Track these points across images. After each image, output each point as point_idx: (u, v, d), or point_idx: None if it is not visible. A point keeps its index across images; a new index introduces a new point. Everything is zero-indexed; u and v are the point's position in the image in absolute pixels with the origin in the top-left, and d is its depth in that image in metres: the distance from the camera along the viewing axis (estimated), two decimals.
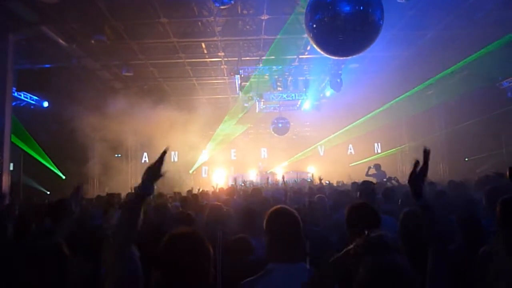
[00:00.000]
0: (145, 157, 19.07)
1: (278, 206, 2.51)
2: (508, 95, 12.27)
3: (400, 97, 15.03)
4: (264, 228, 2.40)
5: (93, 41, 9.51)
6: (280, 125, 16.78)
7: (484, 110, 12.16)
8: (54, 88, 11.80)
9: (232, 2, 7.72)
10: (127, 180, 16.61)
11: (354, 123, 17.80)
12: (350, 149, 20.98)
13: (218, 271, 1.95)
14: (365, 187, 4.78)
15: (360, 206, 2.80)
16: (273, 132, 17.38)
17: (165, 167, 1.94)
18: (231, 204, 6.15)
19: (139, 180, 1.95)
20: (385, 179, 10.30)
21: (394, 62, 12.19)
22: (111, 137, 14.08)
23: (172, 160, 19.11)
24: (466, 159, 13.79)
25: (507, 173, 2.94)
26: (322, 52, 5.61)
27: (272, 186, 12.08)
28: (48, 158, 13.70)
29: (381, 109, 16.09)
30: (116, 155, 16.87)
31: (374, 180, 10.16)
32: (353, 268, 1.62)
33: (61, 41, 9.97)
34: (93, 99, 12.68)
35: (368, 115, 16.86)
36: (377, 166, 12.48)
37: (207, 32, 10.27)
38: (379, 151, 20.01)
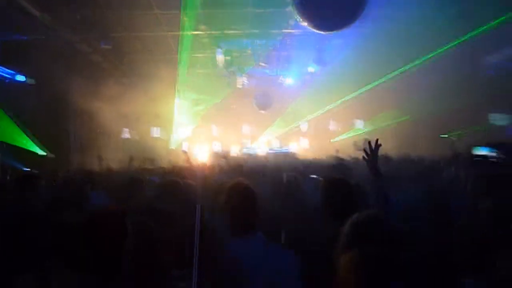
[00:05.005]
0: (126, 133, 18.76)
1: (234, 181, 2.62)
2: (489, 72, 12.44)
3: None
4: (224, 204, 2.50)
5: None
6: (262, 100, 16.69)
7: (465, 86, 12.29)
8: (31, 62, 11.38)
9: None
10: (108, 155, 16.38)
11: (337, 100, 17.77)
12: (333, 125, 21.00)
13: (196, 246, 1.92)
14: None
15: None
16: (256, 107, 17.31)
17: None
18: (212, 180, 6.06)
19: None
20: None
21: (380, 39, 12.07)
22: (92, 112, 13.79)
23: (154, 135, 18.90)
24: (441, 136, 13.90)
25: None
26: (307, 26, 5.54)
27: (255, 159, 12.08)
28: (24, 135, 13.29)
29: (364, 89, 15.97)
30: (98, 131, 16.53)
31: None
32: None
33: (34, 11, 9.56)
34: (72, 73, 12.30)
35: (352, 94, 16.80)
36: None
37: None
38: (362, 127, 20.04)
